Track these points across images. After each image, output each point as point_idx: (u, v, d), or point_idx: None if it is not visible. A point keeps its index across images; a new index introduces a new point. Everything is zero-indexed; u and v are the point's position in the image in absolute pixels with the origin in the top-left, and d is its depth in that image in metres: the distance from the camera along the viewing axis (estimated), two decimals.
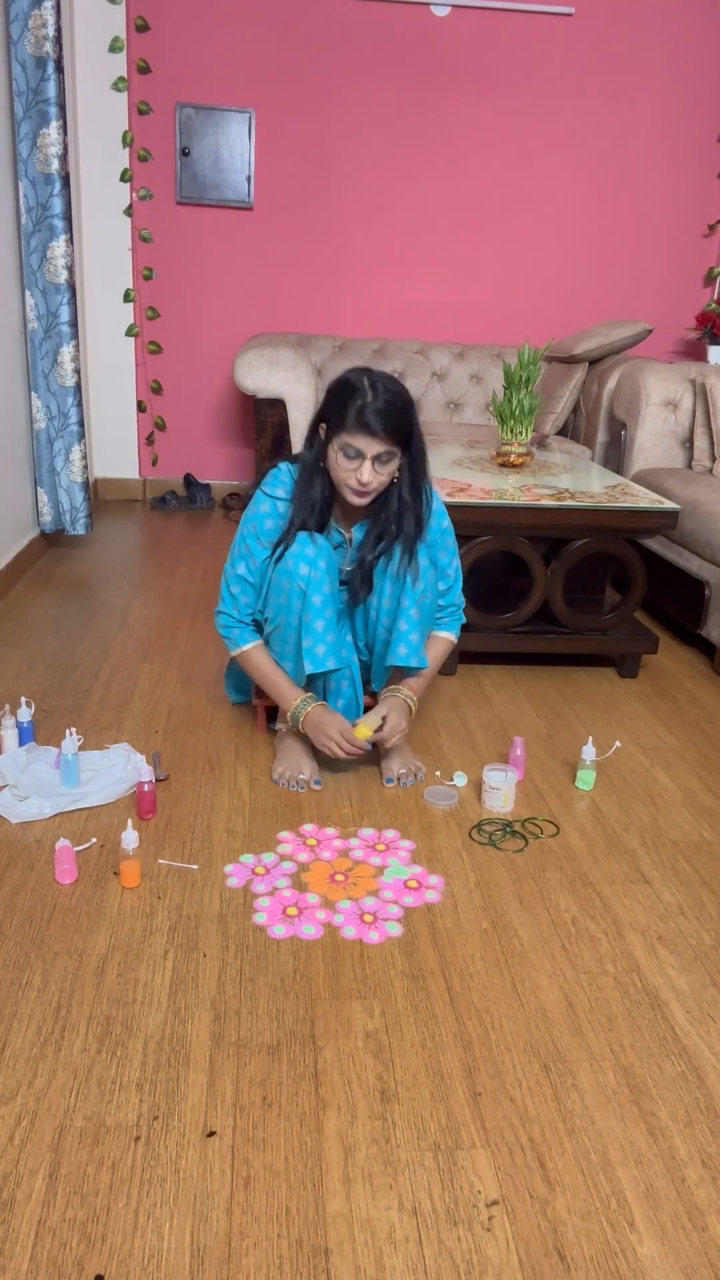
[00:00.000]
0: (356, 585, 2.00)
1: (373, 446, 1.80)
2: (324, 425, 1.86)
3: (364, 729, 1.95)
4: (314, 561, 1.89)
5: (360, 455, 1.81)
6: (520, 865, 1.82)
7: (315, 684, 2.11)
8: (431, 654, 2.09)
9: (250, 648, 2.02)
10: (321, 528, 1.96)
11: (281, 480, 1.96)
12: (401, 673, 2.09)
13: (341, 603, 2.02)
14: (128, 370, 4.38)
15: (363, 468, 1.81)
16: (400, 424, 1.80)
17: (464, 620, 2.16)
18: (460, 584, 2.12)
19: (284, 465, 1.98)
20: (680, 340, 4.63)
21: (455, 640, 2.14)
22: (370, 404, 1.77)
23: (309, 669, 1.92)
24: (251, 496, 1.99)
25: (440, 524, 2.03)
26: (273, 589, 1.94)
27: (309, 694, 2.01)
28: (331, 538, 1.99)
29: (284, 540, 1.92)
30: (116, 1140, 1.20)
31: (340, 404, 1.80)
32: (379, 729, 1.98)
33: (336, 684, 2.10)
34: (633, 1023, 1.44)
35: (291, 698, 1.99)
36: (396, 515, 1.94)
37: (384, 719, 1.98)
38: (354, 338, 4.36)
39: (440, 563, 2.05)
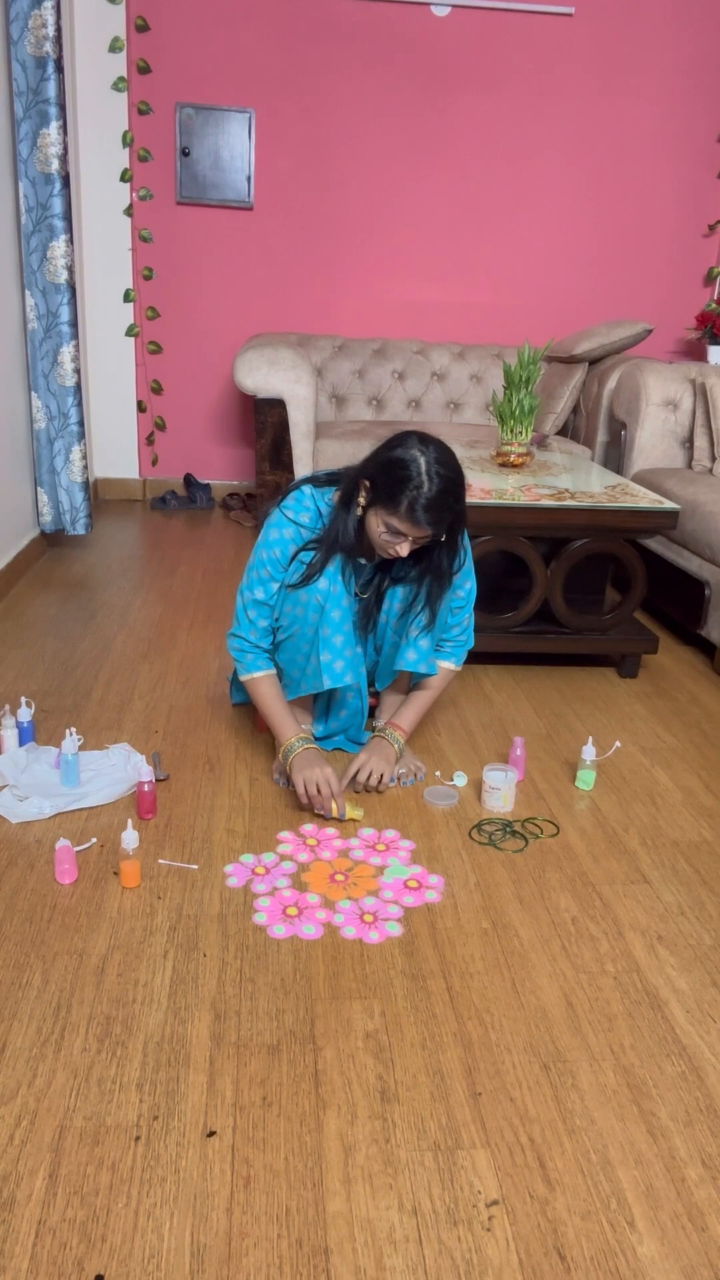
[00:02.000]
0: (370, 605, 2.00)
1: (418, 533, 1.77)
2: (367, 485, 1.80)
3: (353, 810, 1.92)
4: (333, 576, 1.88)
5: (403, 536, 1.78)
6: (520, 865, 1.82)
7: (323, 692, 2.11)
8: (431, 683, 2.08)
9: (260, 675, 1.99)
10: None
11: (305, 506, 1.92)
12: (405, 679, 2.09)
13: (355, 614, 2.01)
14: (128, 370, 4.38)
15: (403, 546, 1.79)
16: (450, 513, 1.77)
17: (470, 645, 2.10)
18: (470, 611, 2.07)
19: (307, 490, 1.93)
20: (680, 340, 4.63)
21: (457, 669, 2.10)
22: (422, 495, 1.71)
23: (328, 684, 1.91)
24: (269, 514, 1.95)
25: (466, 564, 1.99)
26: (289, 599, 1.92)
27: (306, 735, 1.98)
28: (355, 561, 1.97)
29: (308, 575, 1.89)
30: (116, 1140, 1.20)
31: (392, 485, 1.73)
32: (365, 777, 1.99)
33: (343, 694, 2.10)
34: (633, 1023, 1.44)
35: (289, 734, 1.96)
36: (431, 571, 1.91)
37: (360, 766, 1.99)
38: (354, 338, 4.36)
39: (454, 602, 2.02)
